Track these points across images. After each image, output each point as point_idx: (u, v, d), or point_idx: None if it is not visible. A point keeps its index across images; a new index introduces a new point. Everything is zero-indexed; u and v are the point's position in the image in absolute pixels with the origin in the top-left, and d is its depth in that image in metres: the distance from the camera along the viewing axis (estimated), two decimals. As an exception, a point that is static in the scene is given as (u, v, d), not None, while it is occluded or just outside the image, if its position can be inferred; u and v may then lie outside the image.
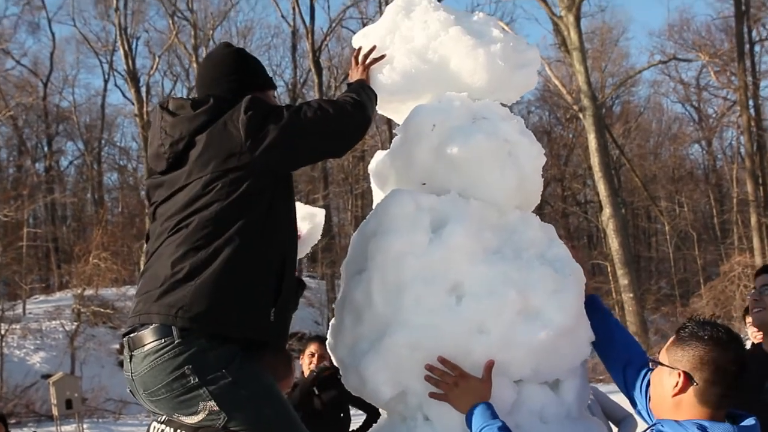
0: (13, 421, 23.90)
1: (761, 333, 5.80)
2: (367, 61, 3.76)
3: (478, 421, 3.02)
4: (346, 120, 3.38)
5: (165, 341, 3.04)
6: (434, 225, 3.36)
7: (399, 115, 3.83)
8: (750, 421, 2.78)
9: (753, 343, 6.04)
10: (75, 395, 19.13)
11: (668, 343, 2.91)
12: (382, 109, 3.86)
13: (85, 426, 20.55)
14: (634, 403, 3.29)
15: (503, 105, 3.70)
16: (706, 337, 2.77)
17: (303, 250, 4.01)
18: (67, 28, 72.44)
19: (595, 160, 26.39)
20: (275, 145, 3.19)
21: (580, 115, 27.52)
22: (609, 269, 33.25)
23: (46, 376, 24.24)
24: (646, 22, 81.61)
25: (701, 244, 41.77)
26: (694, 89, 44.38)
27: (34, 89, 41.90)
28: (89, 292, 30.29)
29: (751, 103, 34.05)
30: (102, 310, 29.72)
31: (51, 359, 27.32)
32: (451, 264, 3.26)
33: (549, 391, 3.36)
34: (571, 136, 44.16)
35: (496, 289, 3.22)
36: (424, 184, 3.52)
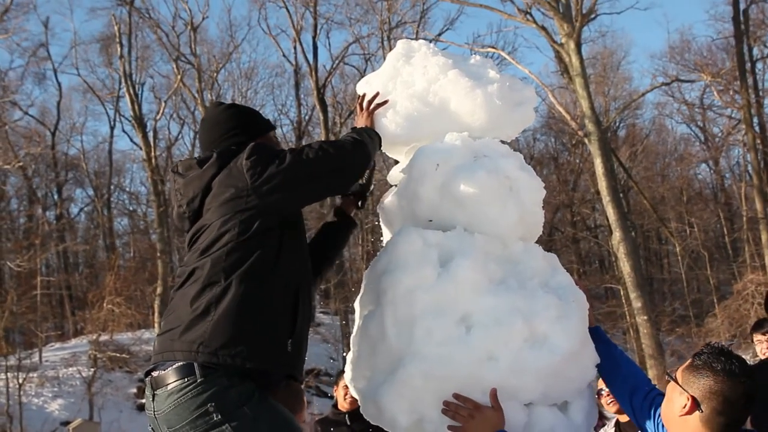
0: (34, 469, 23.96)
1: None
2: (371, 106, 3.91)
3: None
4: (347, 158, 3.54)
5: (188, 380, 3.18)
6: (442, 260, 3.51)
7: (404, 156, 3.99)
8: None
9: (762, 360, 6.15)
10: (94, 441, 19.17)
11: (687, 363, 3.03)
12: (388, 150, 4.04)
13: (105, 472, 20.56)
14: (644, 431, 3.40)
15: (503, 142, 3.87)
16: (719, 369, 2.89)
17: None
18: (73, 77, 73.09)
19: (602, 184, 26.40)
20: (278, 188, 3.36)
21: (586, 141, 27.55)
22: (622, 293, 33.15)
23: (65, 423, 24.30)
24: (647, 45, 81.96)
25: (713, 264, 41.62)
26: (699, 109, 44.42)
27: (42, 138, 42.19)
28: (104, 337, 30.38)
29: (755, 120, 34.09)
30: (118, 355, 29.78)
31: (69, 406, 27.35)
32: (460, 296, 3.41)
33: (558, 412, 3.50)
34: (577, 161, 44.20)
35: (503, 318, 3.37)
36: (431, 221, 3.67)
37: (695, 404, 2.90)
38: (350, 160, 3.56)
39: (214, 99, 39.39)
